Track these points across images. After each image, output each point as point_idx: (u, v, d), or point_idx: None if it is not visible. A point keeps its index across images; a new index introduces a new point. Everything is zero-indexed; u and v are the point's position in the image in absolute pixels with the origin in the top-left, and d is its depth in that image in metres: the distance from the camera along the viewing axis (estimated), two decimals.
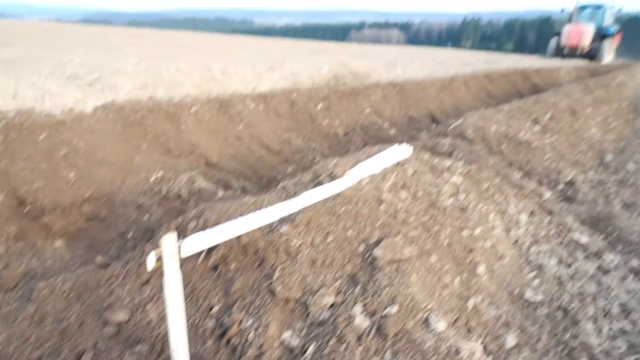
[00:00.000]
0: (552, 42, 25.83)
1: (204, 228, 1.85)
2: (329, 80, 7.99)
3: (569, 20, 25.89)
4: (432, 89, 6.75)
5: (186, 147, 3.31)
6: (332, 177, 2.08)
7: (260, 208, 1.97)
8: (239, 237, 1.76)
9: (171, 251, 1.21)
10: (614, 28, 26.58)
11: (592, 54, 24.50)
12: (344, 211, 1.88)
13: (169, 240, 1.20)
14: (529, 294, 2.20)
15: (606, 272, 2.68)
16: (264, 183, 3.54)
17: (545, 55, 26.72)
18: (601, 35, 25.30)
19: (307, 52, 17.91)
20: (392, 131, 5.13)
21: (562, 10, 27.25)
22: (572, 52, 24.58)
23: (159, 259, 1.20)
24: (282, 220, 1.84)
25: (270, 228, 1.83)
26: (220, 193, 3.10)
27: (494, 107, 7.65)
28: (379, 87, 5.60)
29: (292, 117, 4.19)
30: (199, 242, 1.35)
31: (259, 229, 1.80)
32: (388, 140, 4.97)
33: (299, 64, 8.08)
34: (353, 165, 2.23)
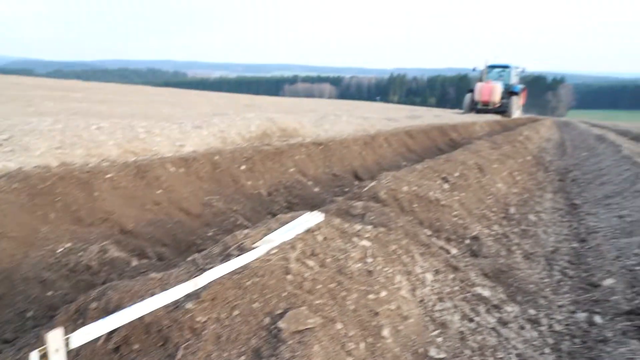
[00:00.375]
0: (467, 98, 28.17)
1: (106, 308, 1.81)
2: (258, 137, 8.16)
3: (480, 79, 28.39)
4: (356, 146, 7.10)
5: (99, 215, 3.22)
6: (242, 249, 2.13)
7: (166, 284, 1.97)
8: (141, 316, 1.74)
9: (57, 346, 1.19)
10: (520, 86, 29.56)
11: (502, 109, 27.02)
12: (251, 284, 1.93)
13: (54, 336, 1.18)
14: (432, 352, 2.33)
15: (505, 323, 2.89)
16: (182, 248, 3.50)
17: (462, 109, 29.04)
18: (509, 93, 28.04)
19: (240, 107, 18.19)
20: (316, 189, 5.30)
21: (474, 69, 29.96)
22: (485, 107, 26.95)
23: (44, 356, 1.17)
24: (188, 296, 1.85)
25: (175, 305, 1.83)
26: (135, 262, 3.03)
27: (415, 161, 8.15)
28: (303, 146, 5.81)
29: (214, 180, 4.23)
30: (91, 331, 1.34)
31: (164, 306, 1.79)
32: (312, 198, 5.12)
33: (228, 120, 8.18)
34: (264, 235, 2.30)
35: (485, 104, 26.84)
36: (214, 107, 17.54)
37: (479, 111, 26.90)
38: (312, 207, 4.83)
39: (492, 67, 29.57)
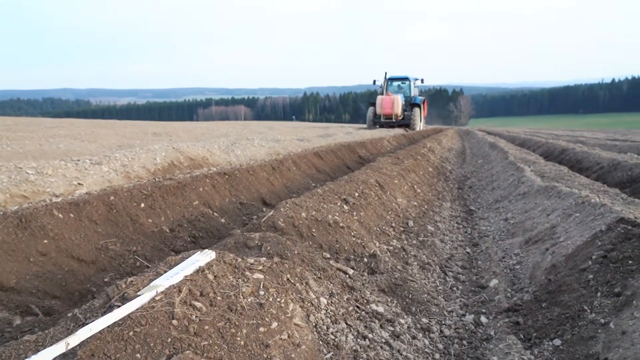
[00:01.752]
0: (370, 112, 28.54)
1: None
2: (164, 169, 7.96)
3: (382, 92, 28.94)
4: (263, 172, 7.18)
5: None
6: (124, 299, 2.11)
7: (41, 346, 1.89)
8: None
9: None
10: (421, 98, 30.55)
11: (405, 122, 27.85)
12: (133, 334, 1.92)
13: None
14: None
15: (398, 335, 3.09)
16: (76, 298, 3.33)
17: (366, 124, 29.37)
18: (411, 105, 28.90)
19: (147, 136, 17.53)
20: (222, 220, 5.29)
21: (374, 82, 30.20)
22: (388, 121, 27.53)
23: None
24: (64, 355, 1.80)
25: None
26: (18, 321, 2.84)
27: (324, 181, 8.39)
28: (207, 177, 5.78)
29: (109, 221, 4.08)
30: None
31: None
32: (218, 230, 5.10)
33: (131, 154, 7.90)
34: (151, 281, 2.29)
35: (388, 117, 27.24)
36: (120, 138, 16.74)
37: (382, 125, 27.47)
38: (218, 239, 4.82)
39: (392, 79, 30.19)
